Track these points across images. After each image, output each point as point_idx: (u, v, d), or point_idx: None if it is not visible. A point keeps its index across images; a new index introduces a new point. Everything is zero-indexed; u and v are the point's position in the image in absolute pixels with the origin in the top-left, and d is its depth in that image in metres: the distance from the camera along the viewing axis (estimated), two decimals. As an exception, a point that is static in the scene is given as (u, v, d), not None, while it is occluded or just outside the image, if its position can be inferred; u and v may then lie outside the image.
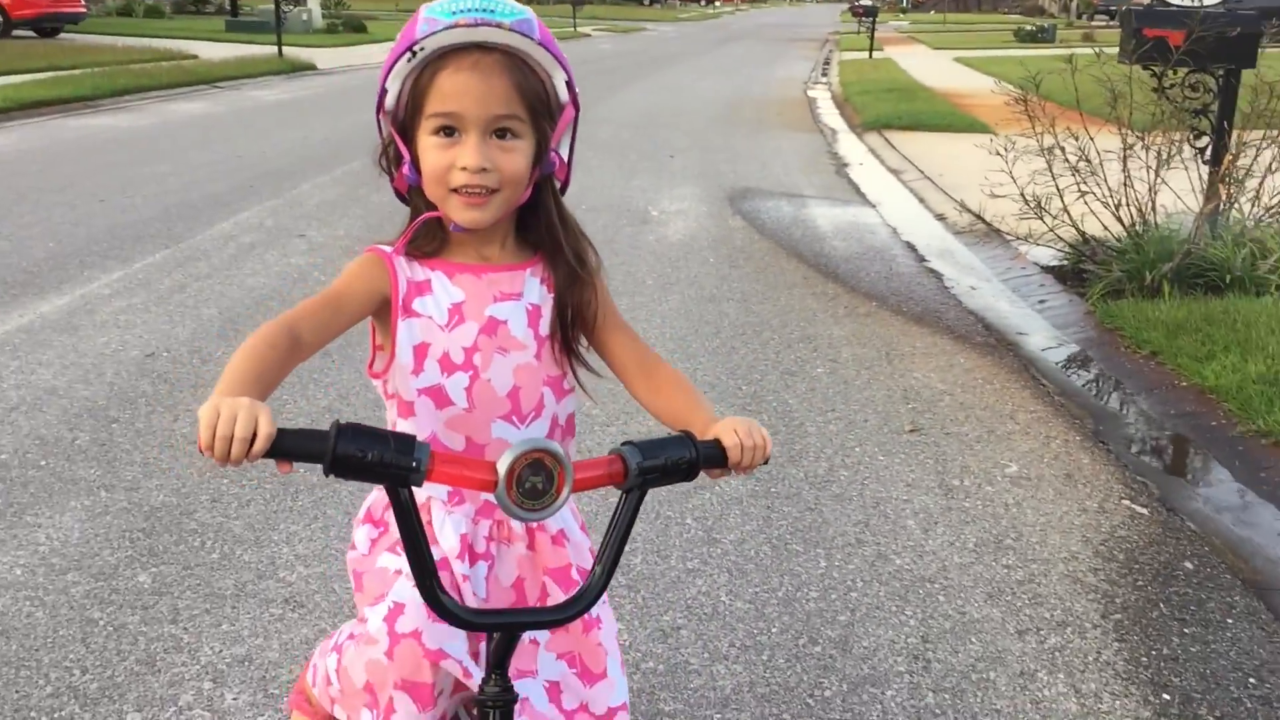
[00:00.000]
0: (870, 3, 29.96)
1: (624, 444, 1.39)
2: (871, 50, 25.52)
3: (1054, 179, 6.01)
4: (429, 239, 1.61)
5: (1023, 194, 5.97)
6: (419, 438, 1.32)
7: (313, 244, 6.89)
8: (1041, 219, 6.01)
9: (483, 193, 1.50)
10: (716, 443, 1.40)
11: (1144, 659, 2.80)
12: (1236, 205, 5.90)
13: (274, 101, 15.14)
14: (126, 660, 2.66)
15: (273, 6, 22.61)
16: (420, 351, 1.59)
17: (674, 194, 8.86)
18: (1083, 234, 6.13)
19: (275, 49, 20.15)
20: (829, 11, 74.43)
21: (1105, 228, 6.13)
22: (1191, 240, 5.75)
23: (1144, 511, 3.60)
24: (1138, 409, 4.56)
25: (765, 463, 1.44)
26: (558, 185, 1.60)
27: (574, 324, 1.62)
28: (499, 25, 1.45)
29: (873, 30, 27.24)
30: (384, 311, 1.59)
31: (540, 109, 1.51)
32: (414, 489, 1.33)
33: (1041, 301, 6.06)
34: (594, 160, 9.91)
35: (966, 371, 4.87)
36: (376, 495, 1.72)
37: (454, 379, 1.58)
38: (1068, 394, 4.68)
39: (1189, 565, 3.27)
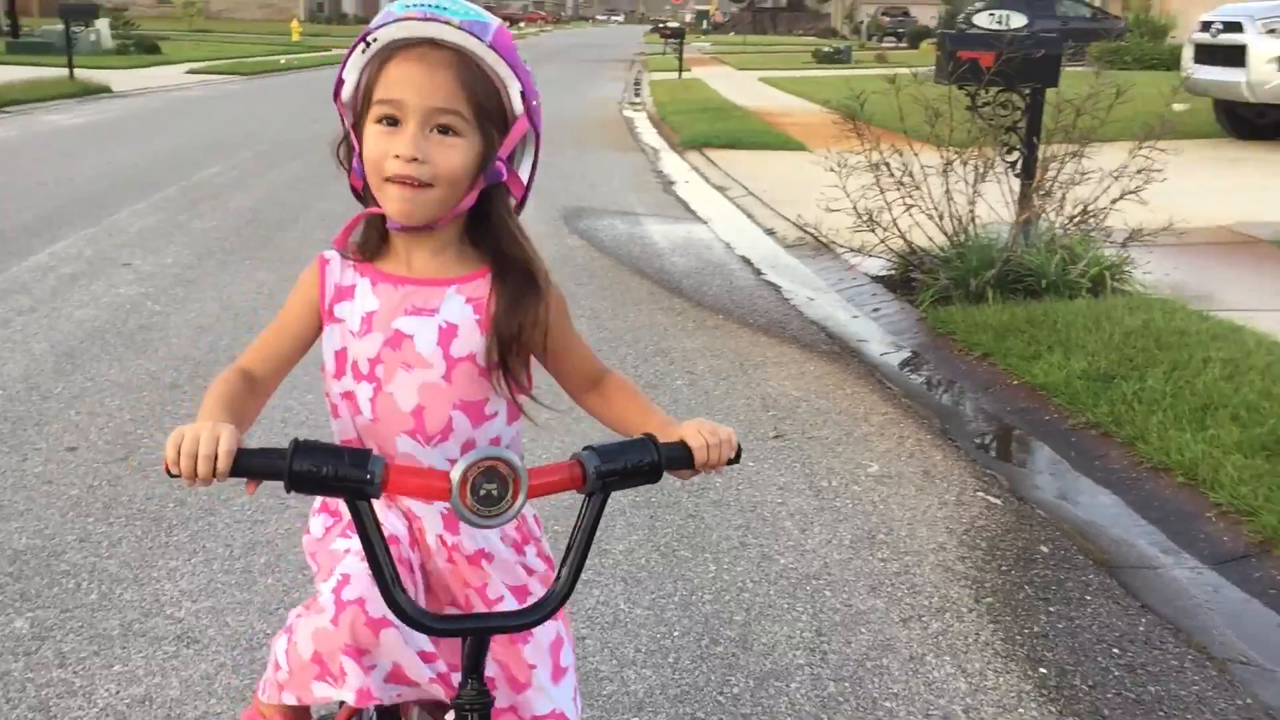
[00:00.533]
0: (677, 24, 30.64)
1: (584, 449, 1.43)
2: (680, 70, 26.08)
3: (882, 193, 6.32)
4: (367, 240, 1.62)
5: (855, 207, 6.25)
6: (338, 440, 1.34)
7: (140, 273, 6.63)
8: (873, 231, 6.31)
9: (415, 184, 1.50)
10: (682, 443, 1.46)
11: (1018, 638, 3.00)
12: (1045, 215, 6.32)
13: (72, 126, 14.43)
14: (18, 708, 2.53)
15: (57, 26, 21.53)
16: (340, 356, 1.62)
17: (508, 214, 8.87)
18: (910, 245, 6.46)
19: (66, 70, 19.17)
20: (633, 32, 75.61)
21: (930, 239, 6.47)
22: (1009, 249, 6.15)
23: (998, 502, 3.84)
24: (978, 407, 4.86)
25: (736, 459, 1.50)
26: (512, 201, 1.63)
27: (518, 345, 1.58)
28: (448, 22, 1.48)
29: (680, 51, 27.86)
30: None
31: (487, 113, 1.53)
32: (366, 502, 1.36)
33: (876, 310, 6.36)
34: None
35: (817, 378, 5.08)
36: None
37: (361, 387, 1.60)
38: (913, 395, 4.95)
39: (1044, 549, 3.51)
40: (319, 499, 1.72)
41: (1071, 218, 6.41)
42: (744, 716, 2.62)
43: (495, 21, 1.52)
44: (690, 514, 3.65)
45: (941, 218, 6.37)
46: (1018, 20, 6.79)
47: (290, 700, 1.63)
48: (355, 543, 1.51)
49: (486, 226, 1.60)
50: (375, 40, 1.52)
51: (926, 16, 56.54)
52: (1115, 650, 2.95)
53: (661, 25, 41.46)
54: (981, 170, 6.31)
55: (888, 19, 58.49)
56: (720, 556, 3.38)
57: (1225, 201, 8.57)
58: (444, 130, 1.51)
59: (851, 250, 6.83)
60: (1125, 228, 6.16)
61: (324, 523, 1.72)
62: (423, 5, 1.49)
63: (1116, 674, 2.85)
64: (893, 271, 6.79)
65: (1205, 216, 7.68)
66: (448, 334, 1.58)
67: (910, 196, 6.33)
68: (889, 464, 4.12)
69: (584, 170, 11.24)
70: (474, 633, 1.46)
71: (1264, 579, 3.27)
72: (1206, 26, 12.16)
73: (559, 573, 1.45)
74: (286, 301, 1.66)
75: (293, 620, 1.65)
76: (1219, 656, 2.92)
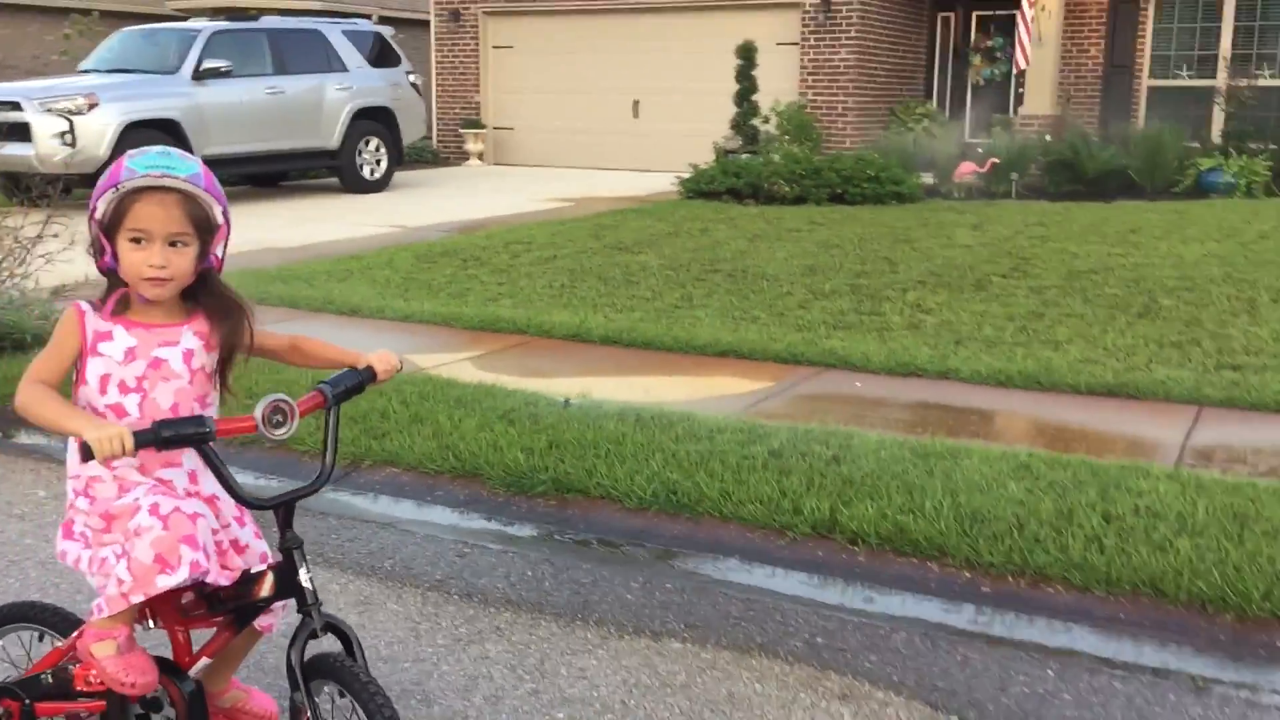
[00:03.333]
0: None
1: (321, 383, 2.60)
2: None
3: None
4: (120, 303, 2.48)
5: None
6: None
7: None
8: None
9: (161, 281, 2.47)
10: (369, 368, 2.68)
11: None
12: (9, 277, 7.03)
13: None
14: None
15: None
16: (105, 380, 2.48)
17: None
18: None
19: None
20: None
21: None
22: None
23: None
24: (59, 439, 5.64)
25: (399, 370, 2.73)
26: (218, 273, 2.60)
27: (231, 358, 2.58)
28: (176, 178, 2.46)
29: None
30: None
31: (203, 227, 2.51)
32: (208, 445, 2.40)
33: None
34: None
35: (-106, 446, 5.28)
36: (71, 498, 2.48)
37: (129, 398, 2.50)
38: (-4, 442, 5.50)
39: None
40: (66, 517, 2.50)
41: (11, 277, 7.22)
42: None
43: (200, 166, 2.52)
44: None
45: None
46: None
47: (137, 599, 2.39)
48: (136, 497, 2.41)
49: (204, 289, 2.57)
50: (122, 188, 2.41)
51: None
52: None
53: None
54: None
55: None
56: None
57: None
58: (175, 243, 2.47)
59: None
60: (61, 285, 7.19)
61: (86, 506, 2.46)
62: (158, 167, 2.44)
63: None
64: None
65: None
66: (188, 355, 2.54)
67: None
68: None
69: None
70: (287, 504, 2.50)
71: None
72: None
73: (324, 459, 2.52)
74: (57, 334, 2.41)
75: (120, 554, 2.39)
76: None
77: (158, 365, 2.49)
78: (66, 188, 9.34)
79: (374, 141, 15.88)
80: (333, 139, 15.35)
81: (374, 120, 15.80)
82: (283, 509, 2.49)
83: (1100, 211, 12.95)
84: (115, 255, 2.44)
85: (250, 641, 2.73)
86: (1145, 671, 3.34)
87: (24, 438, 5.65)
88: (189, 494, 2.53)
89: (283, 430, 2.44)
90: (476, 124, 20.15)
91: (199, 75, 13.99)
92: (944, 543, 4.05)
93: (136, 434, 2.27)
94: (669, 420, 5.25)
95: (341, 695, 2.46)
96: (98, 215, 2.43)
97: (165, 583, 2.39)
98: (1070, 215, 12.62)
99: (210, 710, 2.63)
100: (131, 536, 2.40)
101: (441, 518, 4.57)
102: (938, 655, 3.42)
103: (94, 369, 2.46)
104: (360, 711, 2.37)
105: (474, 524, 4.51)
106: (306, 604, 2.46)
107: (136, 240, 2.41)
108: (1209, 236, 10.87)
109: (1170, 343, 6.84)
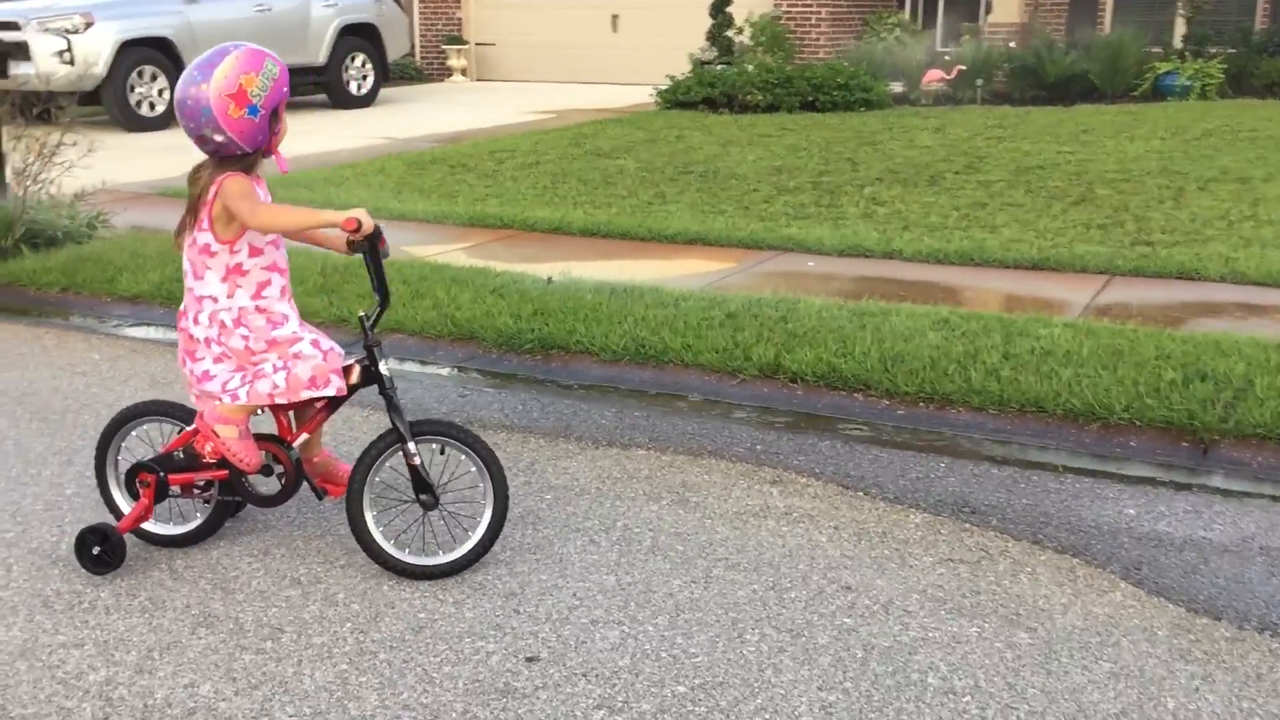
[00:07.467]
0: None
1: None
2: None
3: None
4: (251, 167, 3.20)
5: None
6: None
7: None
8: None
9: None
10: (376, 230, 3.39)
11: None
12: (40, 185, 7.67)
13: None
14: None
15: None
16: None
17: None
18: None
19: None
20: None
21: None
22: (21, 213, 7.42)
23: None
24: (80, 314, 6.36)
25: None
26: None
27: None
28: None
29: None
30: None
31: None
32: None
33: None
34: None
35: (-43, 324, 5.99)
36: (216, 332, 3.23)
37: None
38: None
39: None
40: (219, 334, 3.22)
41: (40, 182, 7.87)
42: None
43: None
44: (19, 404, 4.75)
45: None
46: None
47: (282, 401, 3.20)
48: (294, 329, 3.22)
49: None
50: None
51: None
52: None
53: None
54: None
55: None
56: (84, 413, 4.65)
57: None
58: None
59: None
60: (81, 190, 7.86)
61: (244, 333, 3.23)
62: None
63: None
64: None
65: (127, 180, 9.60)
66: None
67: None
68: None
69: None
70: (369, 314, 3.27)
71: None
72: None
73: (377, 295, 3.28)
74: (248, 190, 3.18)
75: (281, 366, 3.18)
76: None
77: None
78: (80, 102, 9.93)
79: (360, 58, 16.37)
80: (320, 55, 15.83)
81: (359, 37, 16.27)
82: (366, 319, 3.26)
83: (1058, 115, 13.59)
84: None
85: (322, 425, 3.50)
86: (1019, 463, 4.13)
87: (77, 318, 6.34)
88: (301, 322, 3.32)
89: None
90: (459, 40, 20.57)
91: (190, -6, 14.46)
92: (869, 378, 4.82)
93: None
94: (640, 292, 5.99)
95: (442, 452, 3.33)
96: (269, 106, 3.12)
97: (307, 395, 3.21)
98: (1029, 118, 13.26)
99: (309, 471, 3.44)
100: (293, 359, 3.18)
101: (443, 370, 5.33)
102: (853, 455, 4.20)
103: None
104: (471, 453, 3.25)
105: (472, 375, 5.26)
106: (385, 388, 3.23)
107: None
108: (1155, 135, 11.55)
109: (1097, 225, 7.58)
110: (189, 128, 3.12)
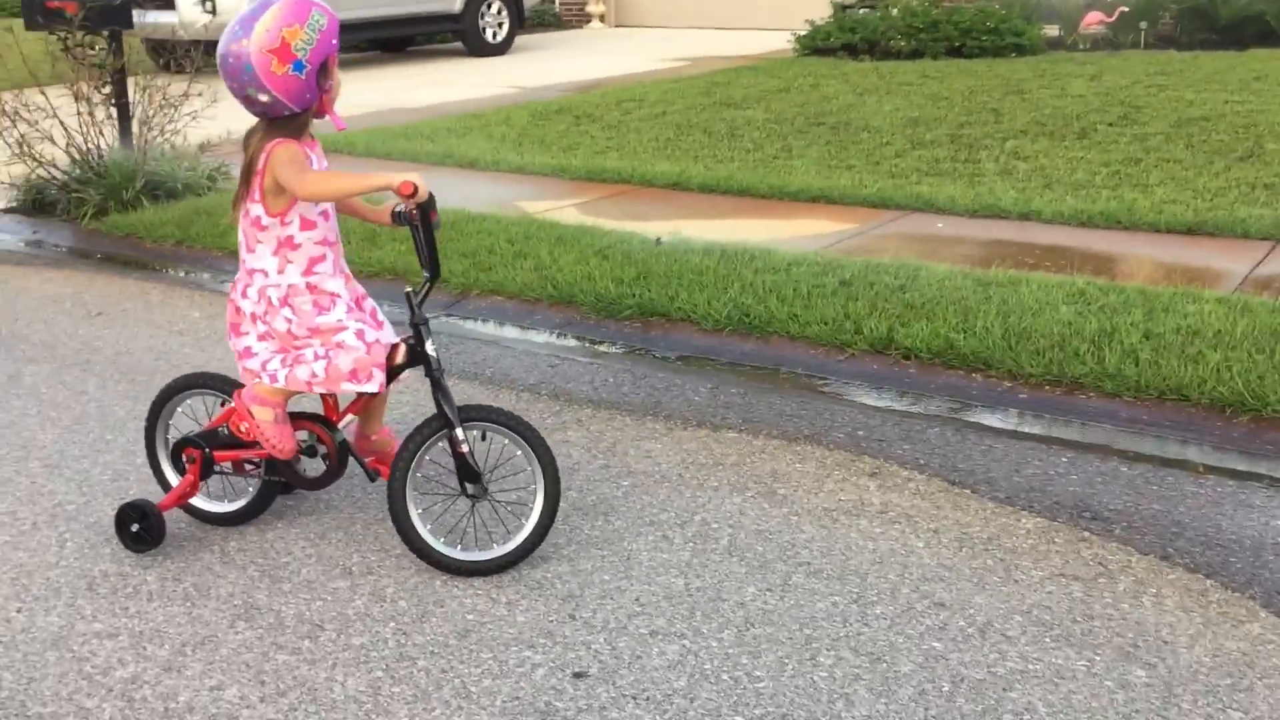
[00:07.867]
0: None
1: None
2: None
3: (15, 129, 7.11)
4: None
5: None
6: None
7: None
8: (25, 163, 7.10)
9: None
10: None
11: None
12: (160, 135, 7.72)
13: None
14: None
15: None
16: None
17: None
18: (50, 173, 7.36)
19: None
20: None
21: (55, 165, 7.43)
22: (142, 164, 7.47)
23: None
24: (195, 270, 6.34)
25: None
26: None
27: None
28: None
29: None
30: None
31: None
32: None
33: (35, 232, 7.21)
34: None
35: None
36: (264, 309, 3.03)
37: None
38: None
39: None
40: (265, 312, 3.03)
41: (164, 134, 7.92)
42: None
43: None
44: (111, 364, 4.71)
45: (69, 146, 7.39)
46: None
47: (320, 390, 3.00)
48: (339, 318, 3.01)
49: None
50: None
51: None
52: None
53: None
54: (94, 102, 7.46)
55: None
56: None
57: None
58: None
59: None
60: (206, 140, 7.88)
61: (289, 315, 3.03)
62: None
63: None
64: (16, 203, 7.60)
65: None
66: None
67: (36, 130, 7.22)
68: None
69: None
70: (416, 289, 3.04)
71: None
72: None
73: (428, 272, 3.03)
74: (298, 157, 2.99)
75: (322, 355, 2.98)
76: (488, 343, 5.13)
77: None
78: (208, 51, 10.00)
79: (495, 5, 16.20)
80: (455, 3, 15.73)
81: (495, -17, 16.11)
82: (414, 294, 3.03)
83: (1229, 60, 12.56)
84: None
85: (386, 397, 3.31)
86: (1153, 460, 3.69)
87: (186, 273, 6.34)
88: (357, 300, 3.11)
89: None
90: (598, -15, 20.25)
91: (328, -58, 14.47)
92: (989, 357, 4.41)
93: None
94: (750, 255, 5.65)
95: (484, 438, 3.09)
96: (316, 61, 2.90)
97: (347, 388, 3.01)
98: (1195, 64, 12.29)
99: (363, 449, 3.27)
100: (335, 348, 2.99)
101: (538, 337, 5.11)
102: (964, 445, 3.82)
103: None
104: (517, 437, 3.04)
105: (566, 342, 5.03)
106: (431, 369, 3.00)
107: None
108: (1339, 83, 10.56)
109: (1263, 184, 6.88)
110: (232, 87, 2.93)
